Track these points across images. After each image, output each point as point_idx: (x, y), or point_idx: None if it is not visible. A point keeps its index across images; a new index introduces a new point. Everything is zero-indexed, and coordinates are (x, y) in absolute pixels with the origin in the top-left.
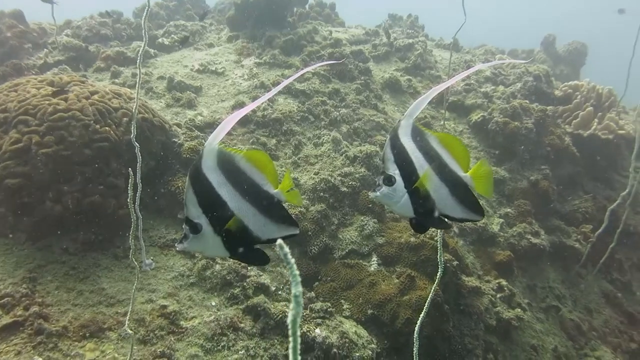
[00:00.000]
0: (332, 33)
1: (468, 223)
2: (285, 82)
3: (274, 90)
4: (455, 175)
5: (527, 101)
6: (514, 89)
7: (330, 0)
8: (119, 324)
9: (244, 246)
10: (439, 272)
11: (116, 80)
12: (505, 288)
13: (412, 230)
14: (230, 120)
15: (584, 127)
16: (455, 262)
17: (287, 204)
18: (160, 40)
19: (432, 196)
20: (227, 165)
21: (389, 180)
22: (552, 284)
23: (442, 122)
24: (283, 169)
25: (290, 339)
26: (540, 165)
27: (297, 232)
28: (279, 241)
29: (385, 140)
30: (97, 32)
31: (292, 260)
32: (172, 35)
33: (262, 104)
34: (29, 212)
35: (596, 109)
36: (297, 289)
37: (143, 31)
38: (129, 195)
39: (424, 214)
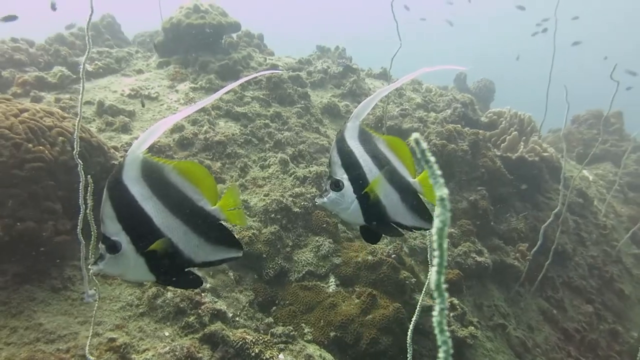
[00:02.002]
0: (266, 60)
1: (416, 236)
2: (224, 90)
3: (212, 97)
4: (405, 180)
5: (459, 125)
6: (445, 114)
7: (257, 31)
8: None
9: (173, 269)
10: (428, 280)
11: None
12: (458, 307)
13: (369, 249)
14: (159, 127)
15: (511, 150)
16: (413, 280)
17: (232, 224)
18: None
19: (382, 202)
20: (153, 177)
21: (337, 185)
22: (497, 302)
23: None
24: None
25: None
26: (477, 186)
27: (240, 254)
28: None
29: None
30: (10, 57)
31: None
32: (96, 62)
33: (203, 127)
34: None
35: (520, 133)
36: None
37: (87, 38)
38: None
39: (375, 221)
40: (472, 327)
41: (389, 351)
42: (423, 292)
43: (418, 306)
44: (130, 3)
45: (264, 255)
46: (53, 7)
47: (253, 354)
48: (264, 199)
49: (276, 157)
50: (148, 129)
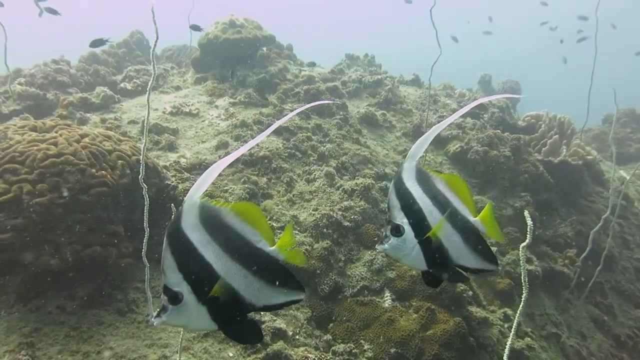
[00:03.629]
0: (300, 71)
1: None
2: (277, 124)
3: (265, 133)
4: (467, 221)
5: (498, 130)
6: (483, 120)
7: (286, 42)
8: None
9: (234, 316)
10: (524, 295)
11: (84, 127)
12: (512, 317)
13: None
14: (213, 171)
15: (553, 154)
16: (470, 292)
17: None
18: (122, 85)
19: (445, 246)
20: (211, 222)
21: (397, 230)
22: (549, 311)
23: (421, 155)
24: (280, 207)
25: None
26: (520, 192)
27: (302, 297)
28: None
29: (390, 184)
30: (53, 79)
31: None
32: (135, 80)
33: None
34: (21, 269)
35: (560, 136)
36: None
37: (151, 56)
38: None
39: (438, 266)
40: (528, 338)
41: None
42: (513, 331)
43: (508, 344)
44: (148, 18)
45: (318, 271)
46: (42, 13)
47: None
48: (314, 214)
49: (321, 171)
50: (203, 174)
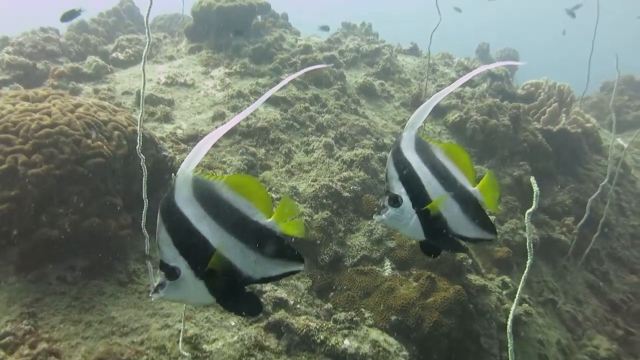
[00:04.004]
0: (297, 40)
1: None
2: (271, 92)
3: (256, 104)
4: (466, 190)
5: (498, 100)
6: (482, 88)
7: (281, 10)
8: (137, 354)
9: (232, 289)
10: (529, 260)
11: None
12: (510, 284)
13: None
14: (205, 144)
15: (552, 123)
16: (470, 261)
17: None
18: (114, 55)
19: (443, 216)
20: (206, 195)
21: (395, 201)
22: (545, 278)
23: (420, 124)
24: (279, 178)
25: None
26: (519, 161)
27: (302, 267)
28: None
29: (389, 154)
30: (42, 49)
31: None
32: (127, 50)
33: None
34: (19, 240)
35: (560, 104)
36: None
37: (145, 22)
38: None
39: (436, 236)
40: (526, 304)
41: (453, 334)
42: (516, 300)
43: (512, 311)
44: None
45: (318, 242)
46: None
47: (318, 340)
48: (313, 185)
49: (320, 142)
50: (195, 146)
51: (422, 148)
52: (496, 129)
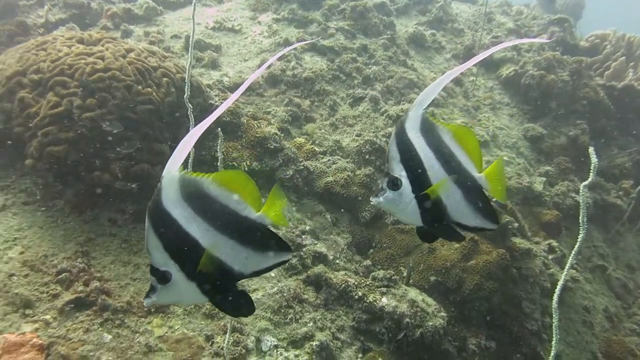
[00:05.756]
0: None
1: (511, 176)
2: (265, 65)
3: (244, 85)
4: (470, 176)
5: (558, 53)
6: (541, 40)
7: None
8: None
9: (225, 286)
10: (581, 235)
11: (128, 40)
12: (557, 249)
13: None
14: (188, 141)
15: (617, 79)
16: (515, 224)
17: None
18: None
19: (444, 202)
20: (193, 195)
21: (394, 184)
22: (596, 243)
23: (471, 78)
24: (322, 131)
25: None
26: (576, 119)
27: (290, 256)
28: None
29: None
30: None
31: None
32: None
33: (291, 63)
34: (74, 181)
35: (627, 58)
36: None
37: None
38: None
39: (434, 223)
40: (573, 271)
41: (493, 298)
42: (567, 266)
43: (562, 279)
44: None
45: (359, 198)
46: None
47: (356, 296)
48: (357, 140)
49: (366, 95)
50: (179, 144)
51: (428, 129)
52: (554, 85)
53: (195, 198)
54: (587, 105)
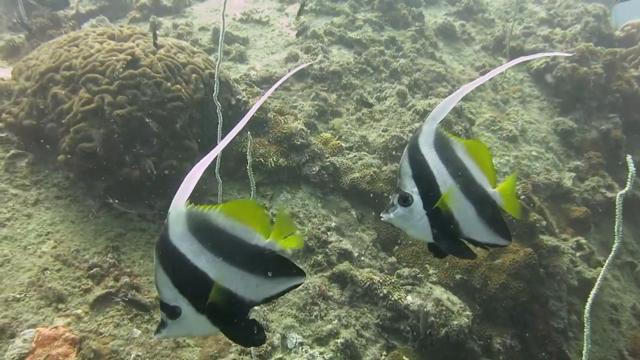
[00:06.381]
0: None
1: (539, 172)
2: (258, 103)
3: (255, 106)
4: (483, 192)
5: (591, 44)
6: (574, 30)
7: None
8: None
9: (236, 316)
10: (615, 245)
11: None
12: (585, 246)
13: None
14: (196, 173)
15: None
16: (543, 222)
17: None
18: None
19: (455, 218)
20: (201, 228)
21: (405, 200)
22: (626, 239)
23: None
24: (349, 126)
25: None
26: (608, 113)
27: (303, 280)
28: None
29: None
30: None
31: None
32: None
33: (318, 56)
34: (105, 177)
35: None
36: None
37: None
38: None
39: (445, 239)
40: (600, 268)
41: (520, 297)
42: (603, 270)
43: (598, 280)
44: None
45: (385, 194)
46: None
47: (381, 294)
48: (383, 135)
49: (393, 89)
50: (185, 177)
51: (441, 144)
52: (586, 78)
53: (203, 231)
54: (620, 98)
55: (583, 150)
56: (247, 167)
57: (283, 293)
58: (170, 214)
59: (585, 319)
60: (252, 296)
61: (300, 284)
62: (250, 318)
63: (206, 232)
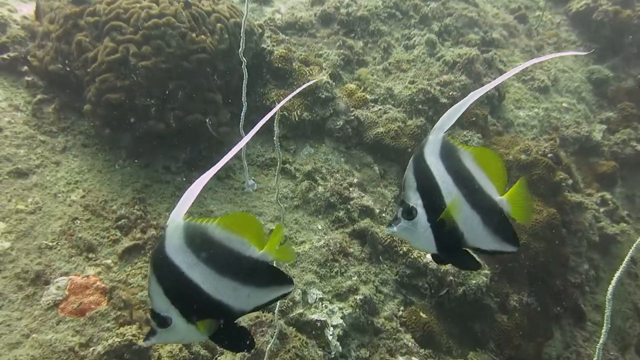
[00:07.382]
0: None
1: (569, 124)
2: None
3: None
4: (490, 200)
5: None
6: None
7: None
8: None
9: (225, 326)
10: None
11: None
12: (609, 202)
13: (521, 146)
14: (194, 190)
15: None
16: (570, 181)
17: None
18: None
19: (460, 229)
20: (197, 241)
21: (409, 213)
22: None
23: (537, 13)
24: (375, 76)
25: None
26: None
27: (291, 289)
28: None
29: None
30: None
31: None
32: None
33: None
34: (131, 127)
35: None
36: None
37: None
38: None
39: (449, 250)
40: (623, 224)
41: (540, 257)
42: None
43: (611, 285)
44: None
45: (409, 150)
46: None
47: (401, 252)
48: (410, 87)
49: (422, 36)
50: (185, 192)
51: (448, 153)
52: (629, 22)
53: (199, 243)
54: None
55: (617, 101)
56: (274, 138)
57: (273, 302)
58: (168, 226)
59: (607, 299)
60: (242, 306)
61: (289, 293)
62: (239, 325)
63: (202, 245)
